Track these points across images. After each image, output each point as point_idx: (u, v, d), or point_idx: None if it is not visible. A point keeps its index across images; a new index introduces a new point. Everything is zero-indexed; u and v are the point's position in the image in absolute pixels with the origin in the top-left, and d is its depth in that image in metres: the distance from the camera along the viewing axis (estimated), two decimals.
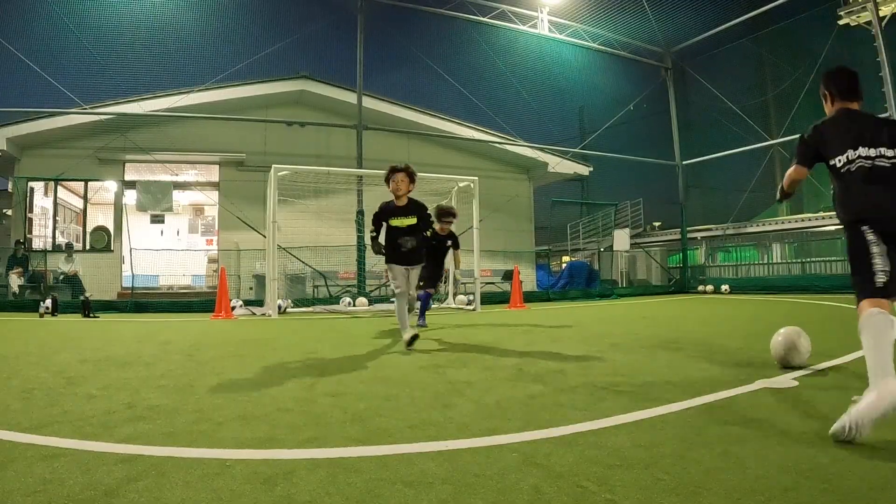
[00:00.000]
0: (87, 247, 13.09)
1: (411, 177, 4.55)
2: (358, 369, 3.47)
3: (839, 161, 2.37)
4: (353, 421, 2.20)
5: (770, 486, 1.46)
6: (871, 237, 2.21)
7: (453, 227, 8.93)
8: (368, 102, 13.19)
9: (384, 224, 4.54)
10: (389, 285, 13.10)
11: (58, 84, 10.89)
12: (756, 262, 16.76)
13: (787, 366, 3.17)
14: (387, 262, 4.54)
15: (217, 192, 13.99)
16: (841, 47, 13.87)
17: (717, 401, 2.43)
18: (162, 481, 1.54)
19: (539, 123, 16.33)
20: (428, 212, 4.70)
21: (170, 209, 13.66)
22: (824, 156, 2.45)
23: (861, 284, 2.17)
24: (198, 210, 17.46)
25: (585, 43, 15.81)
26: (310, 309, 10.19)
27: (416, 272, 4.64)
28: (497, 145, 15.48)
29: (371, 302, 10.90)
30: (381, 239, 4.57)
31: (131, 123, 12.40)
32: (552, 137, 16.88)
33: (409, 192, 4.57)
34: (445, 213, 6.74)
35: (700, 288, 15.09)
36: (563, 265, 19.15)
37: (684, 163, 16.70)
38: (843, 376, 2.93)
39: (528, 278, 15.20)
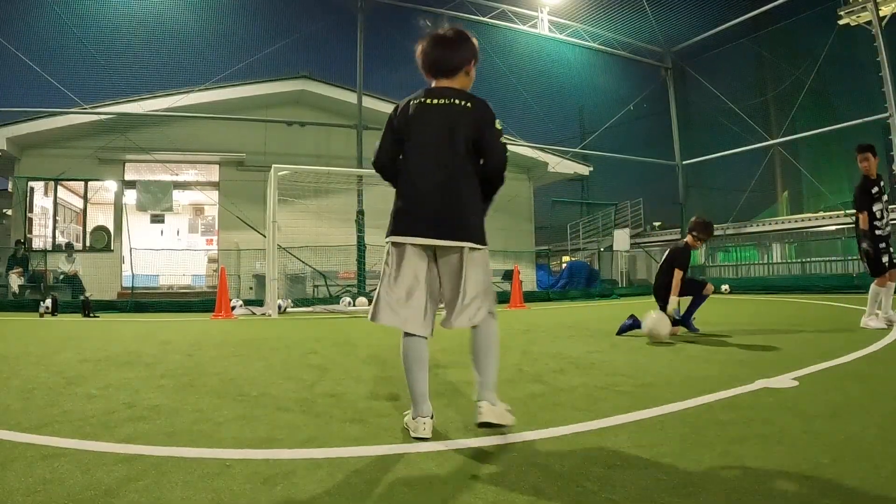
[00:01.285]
0: (87, 246, 13.09)
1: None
2: (358, 369, 3.47)
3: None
4: (353, 421, 2.20)
5: (770, 487, 1.46)
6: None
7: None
8: (368, 102, 13.20)
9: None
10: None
11: (58, 84, 10.91)
12: (756, 262, 16.76)
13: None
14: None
15: (217, 192, 14.00)
16: (841, 47, 13.88)
17: (717, 401, 2.43)
18: (162, 481, 1.53)
19: (539, 123, 16.35)
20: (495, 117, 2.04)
21: (170, 209, 13.67)
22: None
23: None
24: (198, 210, 17.47)
25: (585, 43, 15.82)
26: (310, 309, 10.19)
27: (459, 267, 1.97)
28: None
29: (371, 302, 10.90)
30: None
31: (131, 123, 12.41)
32: (552, 137, 16.90)
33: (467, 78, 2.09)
34: (708, 227, 5.37)
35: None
36: (563, 265, 19.16)
37: (684, 163, 16.71)
38: (842, 376, 2.93)
39: (528, 278, 15.21)
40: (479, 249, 2.00)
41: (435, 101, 2.01)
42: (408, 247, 1.99)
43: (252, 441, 1.93)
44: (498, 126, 2.01)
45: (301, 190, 10.70)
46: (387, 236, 2.09)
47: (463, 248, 1.95)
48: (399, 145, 2.06)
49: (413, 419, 1.96)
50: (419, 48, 2.09)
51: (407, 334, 2.00)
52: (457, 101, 1.99)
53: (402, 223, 2.01)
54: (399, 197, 2.07)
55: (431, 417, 1.97)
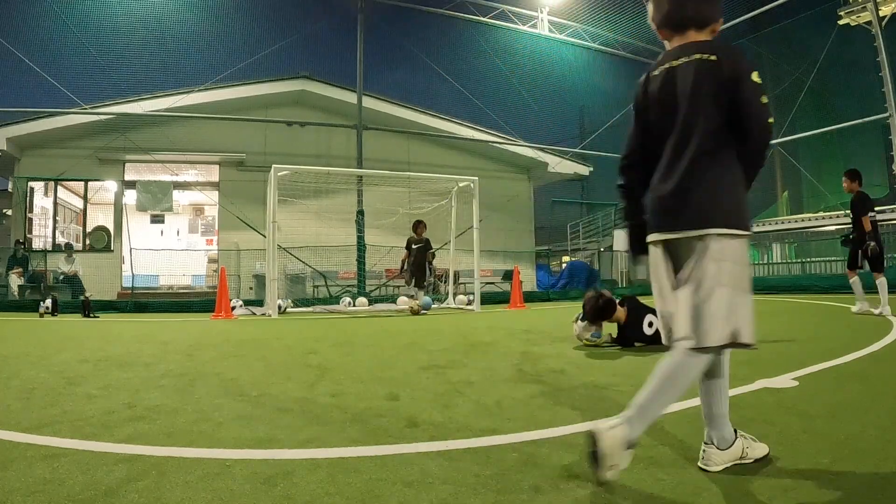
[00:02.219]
0: (87, 246, 13.09)
1: None
2: (358, 369, 3.47)
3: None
4: (353, 421, 2.20)
5: (770, 487, 1.46)
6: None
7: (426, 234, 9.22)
8: (368, 102, 13.20)
9: None
10: (397, 286, 13.22)
11: (58, 84, 10.92)
12: (756, 262, 16.75)
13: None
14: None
15: (217, 192, 13.99)
16: (841, 47, 13.89)
17: None
18: (162, 481, 1.53)
19: (539, 123, 16.35)
20: None
21: (170, 209, 13.68)
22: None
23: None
24: (198, 210, 17.47)
25: (585, 43, 15.82)
26: (310, 309, 10.19)
27: None
28: (497, 145, 15.49)
29: (371, 302, 10.90)
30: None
31: (131, 123, 12.41)
32: (552, 137, 16.90)
33: None
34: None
35: None
36: (564, 265, 19.17)
37: None
38: (842, 376, 2.93)
39: (528, 278, 15.20)
40: (715, 237, 1.48)
41: (669, 66, 1.62)
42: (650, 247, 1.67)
43: (252, 441, 1.93)
44: (755, 79, 1.51)
45: (301, 190, 10.69)
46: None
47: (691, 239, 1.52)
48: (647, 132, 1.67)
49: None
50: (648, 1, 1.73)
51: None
52: (696, 57, 1.56)
53: (649, 219, 1.65)
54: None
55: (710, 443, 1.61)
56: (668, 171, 1.58)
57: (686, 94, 1.56)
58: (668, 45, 1.70)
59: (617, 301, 4.38)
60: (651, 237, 1.64)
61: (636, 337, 4.22)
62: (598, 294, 4.24)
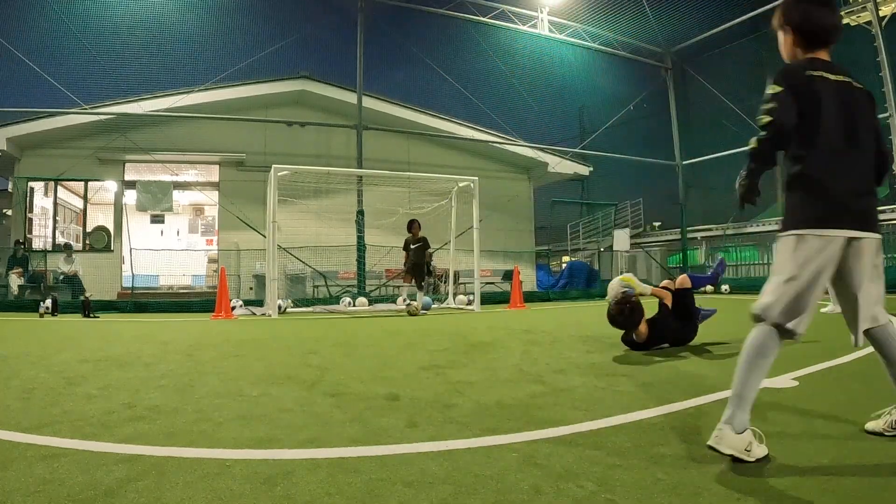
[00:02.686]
0: (87, 246, 13.09)
1: None
2: (358, 369, 3.47)
3: None
4: (353, 421, 2.20)
5: (770, 486, 1.46)
6: None
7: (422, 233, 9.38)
8: (368, 102, 13.19)
9: None
10: (397, 286, 13.30)
11: (58, 84, 10.90)
12: (756, 262, 16.75)
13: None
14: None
15: (217, 192, 13.99)
16: (841, 47, 13.85)
17: (718, 400, 2.42)
18: (162, 481, 1.54)
19: (539, 123, 16.34)
20: None
21: (170, 209, 13.66)
22: None
23: None
24: (198, 210, 17.46)
25: (585, 43, 15.81)
26: (310, 309, 10.18)
27: None
28: (497, 145, 15.48)
29: (371, 302, 10.90)
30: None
31: (131, 123, 12.40)
32: (552, 137, 16.90)
33: None
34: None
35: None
36: (564, 265, 19.16)
37: (684, 163, 16.70)
38: (842, 376, 2.93)
39: (528, 278, 15.19)
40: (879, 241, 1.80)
41: (837, 78, 1.79)
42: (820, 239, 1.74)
43: (252, 441, 1.93)
44: None
45: (301, 190, 10.67)
46: (796, 227, 1.75)
47: (877, 239, 1.78)
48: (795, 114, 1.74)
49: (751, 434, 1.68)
50: (797, 7, 1.87)
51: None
52: (852, 81, 1.81)
53: (822, 213, 1.72)
54: (809, 181, 1.75)
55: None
56: (854, 173, 1.75)
57: (860, 112, 1.79)
58: (791, 51, 1.90)
59: (666, 293, 4.61)
60: (841, 232, 1.72)
61: (640, 349, 4.16)
62: (625, 301, 4.06)
